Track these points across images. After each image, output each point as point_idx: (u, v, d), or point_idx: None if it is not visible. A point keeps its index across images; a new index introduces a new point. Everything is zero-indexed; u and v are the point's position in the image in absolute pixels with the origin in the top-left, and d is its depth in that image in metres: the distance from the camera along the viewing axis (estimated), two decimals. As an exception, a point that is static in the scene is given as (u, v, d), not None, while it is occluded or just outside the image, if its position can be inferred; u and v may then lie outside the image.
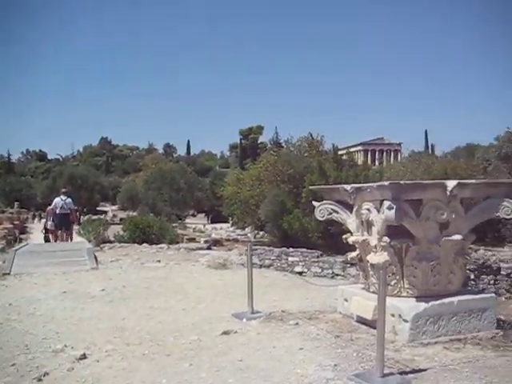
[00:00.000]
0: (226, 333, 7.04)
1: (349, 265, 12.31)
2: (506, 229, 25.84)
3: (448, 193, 6.78)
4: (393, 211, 6.36)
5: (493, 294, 7.64)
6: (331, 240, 16.60)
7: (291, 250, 14.30)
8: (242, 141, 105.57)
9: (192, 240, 24.22)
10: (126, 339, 6.81)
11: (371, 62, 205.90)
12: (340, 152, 30.07)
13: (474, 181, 7.31)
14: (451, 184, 6.79)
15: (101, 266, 13.72)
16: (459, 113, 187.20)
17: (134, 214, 31.17)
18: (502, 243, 25.37)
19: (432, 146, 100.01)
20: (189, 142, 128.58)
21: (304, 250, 14.28)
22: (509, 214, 7.10)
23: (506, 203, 7.06)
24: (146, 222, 21.18)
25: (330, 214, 7.89)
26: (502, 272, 14.25)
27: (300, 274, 13.21)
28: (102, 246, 17.92)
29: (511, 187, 7.57)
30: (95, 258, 14.57)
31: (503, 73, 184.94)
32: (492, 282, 14.13)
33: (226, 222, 41.10)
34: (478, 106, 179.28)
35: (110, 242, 19.62)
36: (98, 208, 55.83)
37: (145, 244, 18.85)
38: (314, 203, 8.11)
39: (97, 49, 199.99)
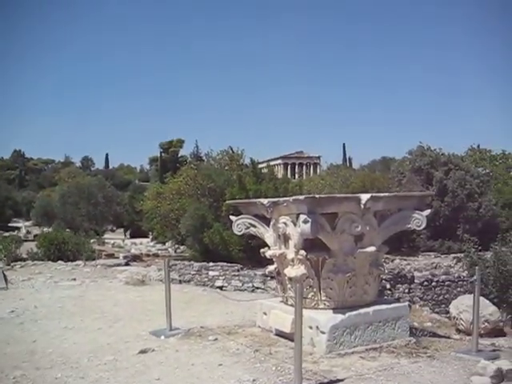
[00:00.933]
0: (143, 351, 6.90)
1: (269, 278, 12.42)
2: (420, 239, 26.91)
3: (362, 206, 6.97)
4: (308, 225, 6.47)
5: (406, 303, 7.91)
6: (252, 253, 16.67)
7: (211, 264, 14.26)
8: (162, 154, 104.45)
9: (110, 256, 23.66)
10: (37, 363, 6.52)
11: (288, 77, 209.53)
12: (260, 165, 30.34)
13: (386, 194, 7.56)
14: (365, 197, 7.00)
15: (11, 285, 13.13)
16: (375, 127, 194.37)
17: (50, 229, 30.05)
18: (417, 252, 26.37)
19: (349, 159, 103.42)
20: (107, 155, 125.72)
21: (224, 264, 14.28)
22: (419, 226, 7.39)
23: (416, 215, 7.35)
24: (61, 237, 20.47)
25: (248, 228, 7.93)
26: (416, 281, 14.85)
27: (220, 288, 13.19)
28: (13, 264, 17.16)
29: (421, 200, 7.91)
30: (5, 277, 13.93)
31: (417, 87, 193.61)
32: (407, 290, 14.68)
33: (146, 236, 40.40)
34: (392, 120, 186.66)
35: (23, 259, 18.82)
36: (10, 224, 53.45)
37: (60, 261, 18.24)
38: (232, 218, 8.13)
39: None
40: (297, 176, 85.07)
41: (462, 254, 17.75)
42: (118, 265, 18.09)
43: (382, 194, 7.46)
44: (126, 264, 18.88)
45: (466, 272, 15.11)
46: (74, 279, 14.22)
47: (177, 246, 28.29)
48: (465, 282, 14.90)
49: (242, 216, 8.03)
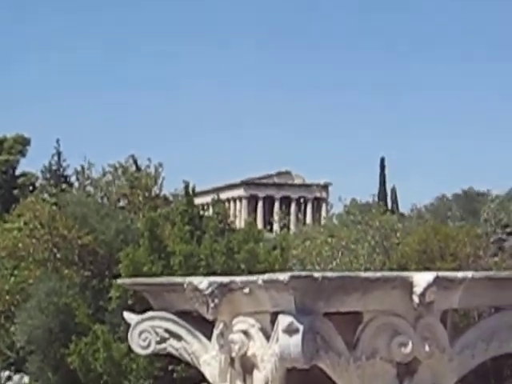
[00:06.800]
0: None
1: None
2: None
3: (417, 299, 6.98)
4: (297, 338, 6.43)
5: None
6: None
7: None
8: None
9: None
10: None
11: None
12: (200, 200, 30.36)
13: (470, 274, 7.58)
14: (423, 281, 7.00)
15: None
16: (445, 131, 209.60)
17: None
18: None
19: (394, 194, 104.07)
20: None
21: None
22: (540, 344, 7.44)
23: (534, 321, 7.40)
24: None
25: (164, 341, 7.89)
26: None
27: None
28: None
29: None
30: None
31: None
32: None
33: None
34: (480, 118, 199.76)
35: None
36: None
37: None
38: (128, 317, 8.07)
39: None
40: (276, 225, 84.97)
41: None
42: None
43: (460, 274, 7.49)
44: None
45: None
46: None
47: (6, 373, 27.93)
48: None
49: (151, 314, 8.00)
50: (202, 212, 24.74)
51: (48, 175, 53.85)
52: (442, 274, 7.29)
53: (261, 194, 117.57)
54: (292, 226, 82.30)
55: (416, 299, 7.01)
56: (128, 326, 8.15)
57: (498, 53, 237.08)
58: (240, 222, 50.01)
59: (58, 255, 22.97)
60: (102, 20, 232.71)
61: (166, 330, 7.94)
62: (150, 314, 8.04)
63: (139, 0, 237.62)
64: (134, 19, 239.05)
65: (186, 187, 23.90)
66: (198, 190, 28.44)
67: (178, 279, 8.04)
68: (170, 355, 8.34)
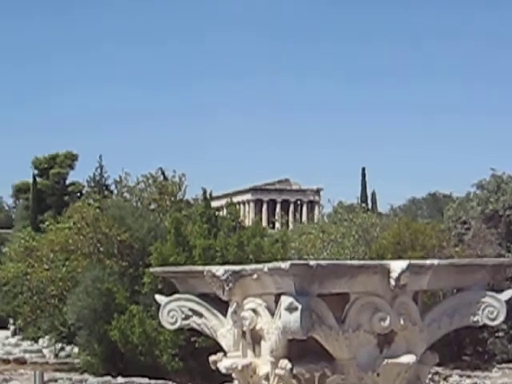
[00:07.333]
0: None
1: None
2: (496, 340, 26.89)
3: (393, 282, 6.96)
4: (296, 314, 6.41)
5: None
6: (197, 361, 16.55)
7: (121, 380, 14.10)
8: (38, 179, 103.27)
9: None
10: None
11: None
12: (216, 203, 30.31)
13: (436, 261, 7.56)
14: (398, 267, 6.98)
15: None
16: (414, 142, 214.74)
17: None
18: (489, 363, 26.40)
19: (373, 196, 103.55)
20: None
21: (145, 380, 14.12)
22: (494, 318, 7.38)
23: (488, 299, 7.35)
24: None
25: (188, 317, 7.86)
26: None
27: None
28: None
29: (498, 271, 7.95)
30: None
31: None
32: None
33: (5, 327, 39.93)
34: (445, 131, 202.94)
35: None
36: None
37: None
38: (159, 298, 8.06)
39: None
40: (278, 224, 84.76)
41: None
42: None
43: (428, 262, 7.46)
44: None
45: None
46: None
47: (60, 345, 27.86)
48: None
49: (177, 296, 7.97)
50: (217, 213, 24.68)
51: (92, 184, 53.74)
52: (413, 261, 7.27)
53: (265, 198, 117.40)
54: (290, 224, 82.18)
55: (392, 282, 6.99)
56: (158, 306, 8.12)
57: (455, 68, 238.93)
58: (248, 221, 49.87)
59: (101, 249, 23.03)
60: (141, 57, 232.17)
61: (190, 309, 7.92)
62: (176, 296, 8.02)
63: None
64: (162, 52, 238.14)
65: (204, 193, 23.92)
66: (214, 195, 28.52)
67: (199, 268, 8.02)
68: (192, 329, 8.32)
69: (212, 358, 7.78)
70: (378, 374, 7.07)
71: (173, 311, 7.96)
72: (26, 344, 32.31)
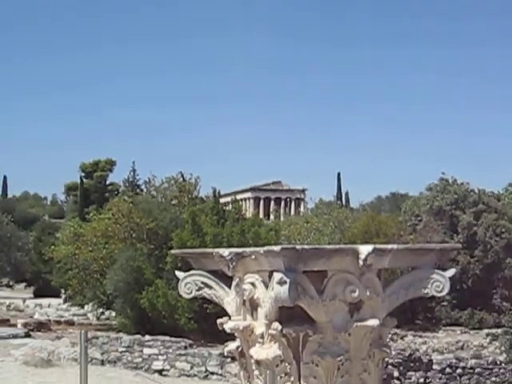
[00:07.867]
0: None
1: (229, 359, 12.30)
2: (442, 308, 26.95)
3: (361, 262, 6.95)
4: (285, 287, 6.43)
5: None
6: (208, 324, 16.57)
7: (148, 338, 14.10)
8: (84, 180, 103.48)
9: (5, 322, 23.22)
10: None
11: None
12: (223, 200, 30.36)
13: (394, 246, 7.56)
14: (365, 250, 6.98)
15: None
16: (380, 151, 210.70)
17: None
18: (436, 327, 26.43)
19: (346, 195, 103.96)
20: (5, 178, 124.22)
21: (167, 338, 14.12)
22: (440, 290, 7.39)
23: (435, 276, 7.35)
24: None
25: (201, 289, 7.85)
26: (435, 366, 14.70)
27: (160, 372, 13.01)
28: None
29: (443, 254, 7.95)
30: None
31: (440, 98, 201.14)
32: (422, 380, 14.55)
33: (58, 296, 39.89)
34: (405, 142, 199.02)
35: None
36: None
37: None
38: (179, 274, 8.05)
39: None
40: (272, 216, 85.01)
41: (500, 330, 17.87)
42: (15, 336, 17.76)
43: (388, 246, 7.46)
44: (27, 335, 18.54)
45: (505, 355, 15.16)
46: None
47: (100, 310, 27.94)
48: (503, 370, 14.88)
49: (192, 272, 7.96)
50: (224, 207, 24.75)
51: (127, 184, 53.70)
52: (377, 246, 7.28)
53: (262, 196, 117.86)
54: (282, 217, 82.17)
55: (361, 262, 6.99)
56: (178, 280, 8.12)
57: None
58: (249, 214, 49.90)
59: (133, 235, 23.18)
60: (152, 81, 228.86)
61: (202, 282, 7.91)
62: (191, 272, 8.02)
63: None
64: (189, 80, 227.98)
65: (214, 192, 23.98)
66: (221, 193, 28.60)
67: (210, 250, 8.05)
68: (204, 298, 8.31)
69: (219, 320, 7.80)
70: (349, 334, 7.07)
71: (189, 284, 7.96)
72: (74, 309, 32.45)
